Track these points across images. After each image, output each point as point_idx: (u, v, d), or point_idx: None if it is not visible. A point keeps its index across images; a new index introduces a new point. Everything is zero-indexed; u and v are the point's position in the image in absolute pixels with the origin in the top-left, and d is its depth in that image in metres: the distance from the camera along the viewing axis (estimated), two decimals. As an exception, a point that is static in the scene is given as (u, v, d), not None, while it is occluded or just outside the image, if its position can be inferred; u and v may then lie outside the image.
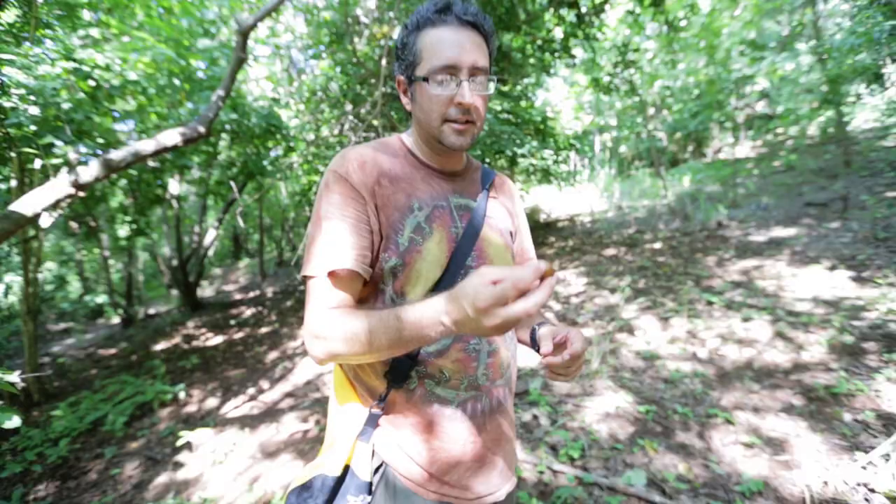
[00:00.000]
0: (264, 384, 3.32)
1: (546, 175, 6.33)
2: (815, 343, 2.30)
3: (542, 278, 0.45)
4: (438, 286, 0.65)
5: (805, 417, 1.77)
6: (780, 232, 4.33)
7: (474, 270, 0.59)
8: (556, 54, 5.41)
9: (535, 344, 0.71)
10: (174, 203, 6.64)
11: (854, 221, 4.09)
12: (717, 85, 7.73)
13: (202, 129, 2.32)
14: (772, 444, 1.66)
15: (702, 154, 9.12)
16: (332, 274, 0.62)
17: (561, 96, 10.58)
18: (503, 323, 0.44)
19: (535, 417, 2.10)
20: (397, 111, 3.82)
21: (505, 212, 0.78)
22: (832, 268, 3.23)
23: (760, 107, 9.33)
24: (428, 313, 0.51)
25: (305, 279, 0.64)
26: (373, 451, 0.67)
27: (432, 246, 0.65)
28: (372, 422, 0.68)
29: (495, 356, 0.71)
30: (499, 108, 5.56)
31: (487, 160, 5.48)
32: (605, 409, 2.06)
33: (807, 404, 1.85)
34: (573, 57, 5.54)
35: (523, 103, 6.17)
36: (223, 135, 4.86)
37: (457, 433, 0.68)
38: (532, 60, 5.68)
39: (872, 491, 1.38)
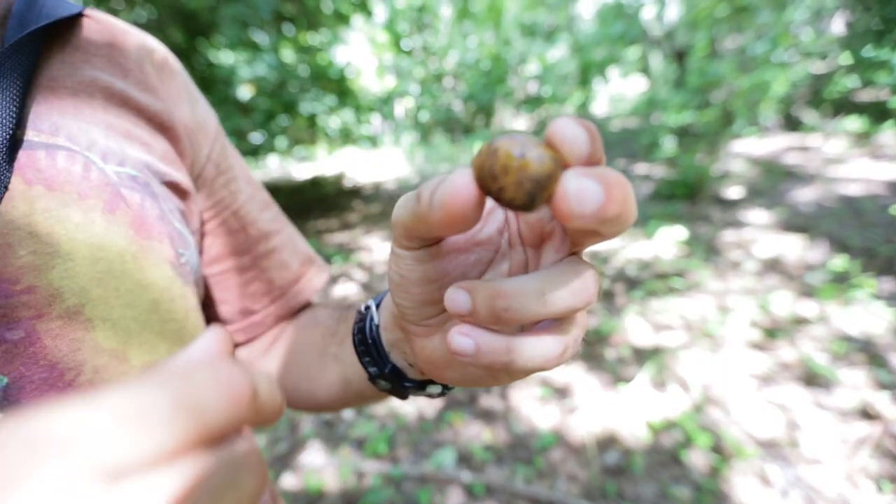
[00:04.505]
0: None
1: (347, 136, 5.93)
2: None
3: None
4: None
5: (582, 360, 1.97)
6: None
7: None
8: (353, 6, 4.96)
9: (376, 346, 0.29)
10: None
11: (600, 186, 5.05)
12: (501, 62, 8.53)
13: None
14: (559, 393, 1.78)
15: (488, 126, 10.11)
16: None
17: (364, 55, 10.16)
18: None
19: (336, 413, 1.82)
20: None
21: (128, 122, 0.29)
22: (589, 224, 3.87)
23: (533, 88, 10.84)
24: None
25: None
26: None
27: None
28: None
29: None
30: (290, 59, 4.82)
31: (281, 118, 4.74)
32: (412, 386, 1.92)
33: (582, 348, 2.08)
34: (370, 13, 5.21)
35: (321, 59, 5.54)
36: None
37: None
38: (326, 10, 5.08)
39: (635, 417, 1.58)
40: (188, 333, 0.30)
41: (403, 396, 0.31)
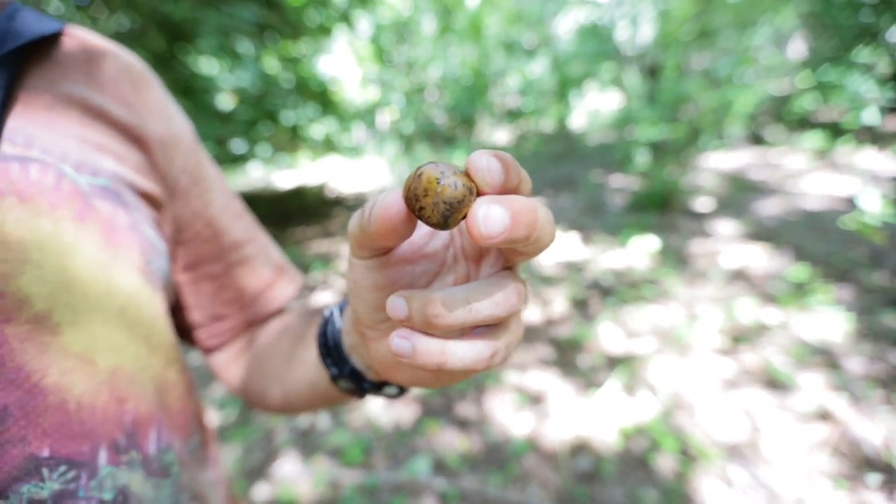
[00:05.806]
0: None
1: (330, 145, 5.93)
2: (559, 298, 2.71)
3: None
4: None
5: (556, 366, 2.01)
6: (530, 206, 5.13)
7: None
8: (336, 19, 5.01)
9: (336, 351, 0.31)
10: None
11: (580, 195, 5.16)
12: (482, 76, 8.70)
13: None
14: (533, 399, 1.81)
15: (470, 137, 10.26)
16: None
17: (348, 66, 10.21)
18: None
19: (311, 423, 1.80)
20: None
21: (102, 135, 0.31)
22: (566, 230, 3.95)
23: (514, 102, 11.06)
24: None
25: None
26: None
27: None
28: None
29: None
30: (273, 69, 4.82)
31: (262, 126, 4.71)
32: (389, 395, 1.92)
33: (555, 355, 2.12)
34: (352, 25, 5.27)
35: (304, 70, 5.54)
36: None
37: None
38: (308, 22, 5.10)
39: (606, 423, 1.61)
40: (155, 337, 0.32)
41: (361, 396, 0.33)
